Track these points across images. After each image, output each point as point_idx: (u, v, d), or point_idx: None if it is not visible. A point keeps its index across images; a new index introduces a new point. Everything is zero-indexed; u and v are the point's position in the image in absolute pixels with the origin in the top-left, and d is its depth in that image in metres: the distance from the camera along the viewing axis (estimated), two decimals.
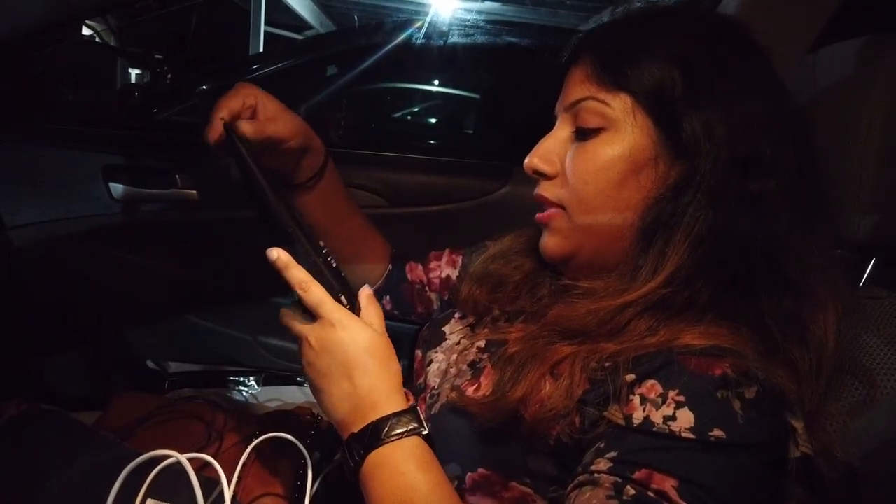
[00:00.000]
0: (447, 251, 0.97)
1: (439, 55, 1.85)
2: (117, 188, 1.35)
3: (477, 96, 2.26)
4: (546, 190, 0.71)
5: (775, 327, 0.59)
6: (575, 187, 0.67)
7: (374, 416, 0.61)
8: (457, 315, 0.83)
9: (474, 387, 0.66)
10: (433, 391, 0.73)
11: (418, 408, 0.75)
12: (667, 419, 0.53)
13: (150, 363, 1.57)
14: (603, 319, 0.62)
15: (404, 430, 0.60)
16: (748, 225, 0.60)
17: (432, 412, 0.69)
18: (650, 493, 0.51)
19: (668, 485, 0.50)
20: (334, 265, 0.67)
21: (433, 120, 2.66)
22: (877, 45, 0.71)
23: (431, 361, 0.78)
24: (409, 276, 0.96)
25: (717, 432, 0.52)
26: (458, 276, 0.92)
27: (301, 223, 0.67)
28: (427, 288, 0.96)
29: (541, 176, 0.71)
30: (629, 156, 0.65)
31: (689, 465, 0.52)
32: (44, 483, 0.76)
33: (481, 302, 0.79)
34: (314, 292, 0.65)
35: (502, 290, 0.79)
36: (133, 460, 0.75)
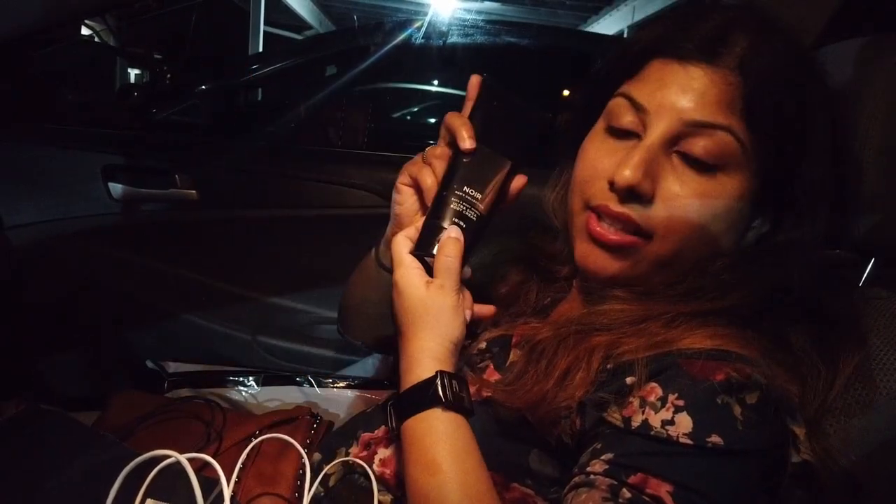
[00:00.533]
0: None
1: (439, 55, 1.85)
2: (117, 188, 1.35)
3: None
4: (639, 214, 0.60)
5: (791, 337, 0.59)
6: (677, 223, 0.59)
7: (412, 380, 0.58)
8: None
9: (475, 387, 0.66)
10: None
11: None
12: (665, 423, 0.53)
13: (149, 363, 1.57)
14: (632, 320, 0.61)
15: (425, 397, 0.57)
16: (788, 268, 0.60)
17: None
18: (645, 498, 0.50)
19: (664, 490, 0.50)
20: (457, 207, 0.61)
21: (433, 120, 2.66)
22: (877, 45, 0.71)
23: None
24: None
25: (714, 438, 0.51)
26: None
27: (455, 161, 0.63)
28: None
29: (634, 197, 0.60)
30: (743, 204, 0.60)
31: (686, 470, 0.51)
32: (43, 483, 0.76)
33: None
34: (395, 240, 0.62)
35: (488, 302, 0.77)
36: (132, 460, 0.75)
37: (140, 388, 1.37)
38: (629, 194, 0.59)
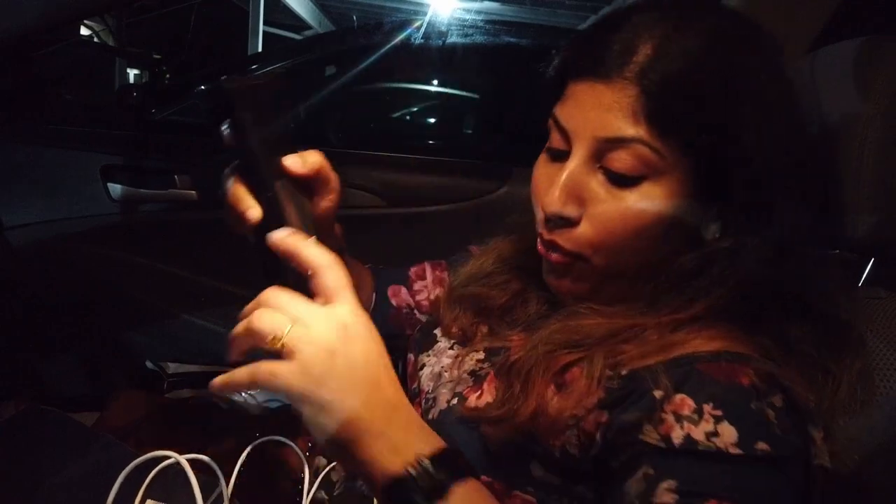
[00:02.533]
0: (428, 267, 0.92)
1: (438, 55, 1.85)
2: (116, 188, 1.35)
3: (476, 96, 2.26)
4: (565, 239, 0.61)
5: (792, 339, 0.58)
6: (604, 240, 0.60)
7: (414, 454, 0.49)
8: None
9: (477, 393, 0.64)
10: (428, 395, 0.70)
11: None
12: (709, 435, 0.50)
13: (149, 363, 1.57)
14: (612, 332, 0.60)
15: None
16: (778, 267, 0.59)
17: (430, 417, 0.67)
18: None
19: None
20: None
21: (432, 120, 2.66)
22: (877, 46, 0.71)
23: (424, 365, 0.75)
24: (394, 302, 0.90)
25: (761, 445, 0.49)
26: None
27: (296, 206, 0.61)
28: (416, 311, 0.90)
29: (563, 222, 0.61)
30: (673, 211, 0.58)
31: (748, 485, 0.49)
32: (43, 483, 0.76)
33: (467, 325, 0.75)
34: (333, 273, 0.54)
35: (487, 312, 0.75)
36: (132, 461, 0.75)
37: (140, 388, 1.37)
38: (557, 221, 0.61)
